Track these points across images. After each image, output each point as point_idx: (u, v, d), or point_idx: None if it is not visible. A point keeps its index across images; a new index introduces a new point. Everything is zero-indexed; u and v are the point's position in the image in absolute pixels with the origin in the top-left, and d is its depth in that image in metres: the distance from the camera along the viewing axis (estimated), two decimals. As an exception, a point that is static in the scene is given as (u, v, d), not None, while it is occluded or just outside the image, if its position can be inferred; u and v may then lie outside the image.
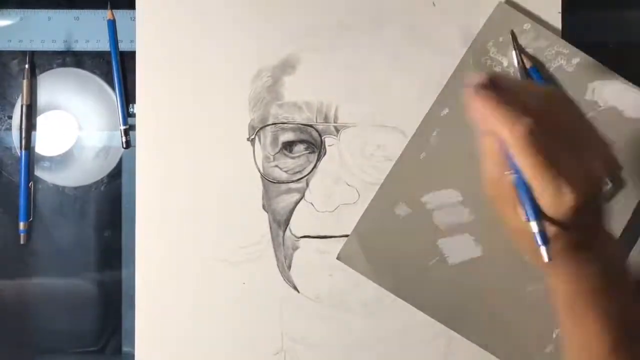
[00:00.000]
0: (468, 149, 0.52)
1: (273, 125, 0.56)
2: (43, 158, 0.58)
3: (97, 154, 0.58)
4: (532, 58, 0.55)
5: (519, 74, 0.55)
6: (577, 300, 0.42)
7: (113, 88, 0.57)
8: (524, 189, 0.38)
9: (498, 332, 0.55)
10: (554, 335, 0.53)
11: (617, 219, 0.55)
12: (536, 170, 0.37)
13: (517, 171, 0.38)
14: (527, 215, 0.38)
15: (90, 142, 0.58)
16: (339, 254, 0.56)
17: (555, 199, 0.37)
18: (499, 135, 0.38)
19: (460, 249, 0.55)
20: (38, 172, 0.57)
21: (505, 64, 0.55)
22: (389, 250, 0.55)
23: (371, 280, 0.55)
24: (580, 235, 0.39)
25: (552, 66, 0.55)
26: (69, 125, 0.58)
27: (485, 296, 0.55)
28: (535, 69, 0.55)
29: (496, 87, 0.39)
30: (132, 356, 0.56)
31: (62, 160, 0.58)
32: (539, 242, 0.38)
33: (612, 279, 0.42)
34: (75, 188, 0.58)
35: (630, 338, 0.42)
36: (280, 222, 0.56)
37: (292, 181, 0.56)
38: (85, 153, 0.58)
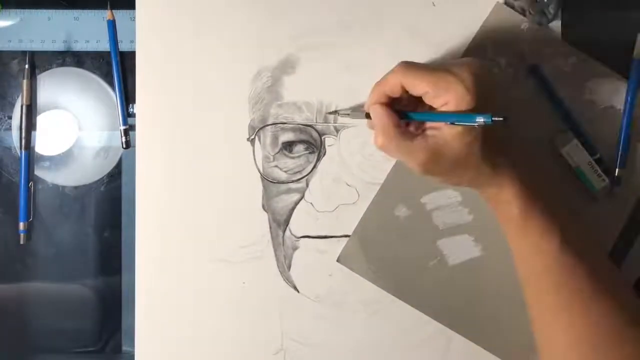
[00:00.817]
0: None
1: (273, 126, 0.56)
2: (43, 158, 0.58)
3: (97, 154, 0.58)
4: (529, 58, 0.55)
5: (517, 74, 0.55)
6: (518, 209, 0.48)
7: (113, 88, 0.57)
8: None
9: (498, 332, 0.55)
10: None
11: (614, 219, 0.56)
12: (431, 76, 0.46)
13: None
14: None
15: (90, 142, 0.58)
16: (339, 257, 0.56)
17: (456, 84, 0.45)
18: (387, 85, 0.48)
19: (460, 249, 0.56)
20: (38, 172, 0.57)
21: (503, 64, 0.56)
22: (389, 251, 0.56)
23: (371, 282, 0.55)
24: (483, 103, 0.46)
25: (549, 66, 0.55)
26: (69, 125, 0.58)
27: (486, 296, 0.55)
28: (533, 69, 0.55)
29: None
30: (132, 356, 0.56)
31: (62, 160, 0.58)
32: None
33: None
34: (75, 188, 0.58)
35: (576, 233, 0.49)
36: (280, 222, 0.56)
37: (292, 181, 0.56)
38: (85, 153, 0.58)
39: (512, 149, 0.49)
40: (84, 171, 0.58)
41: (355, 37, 0.56)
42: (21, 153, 0.57)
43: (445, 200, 0.56)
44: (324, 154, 0.56)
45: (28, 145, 0.57)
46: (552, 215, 0.48)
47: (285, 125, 0.56)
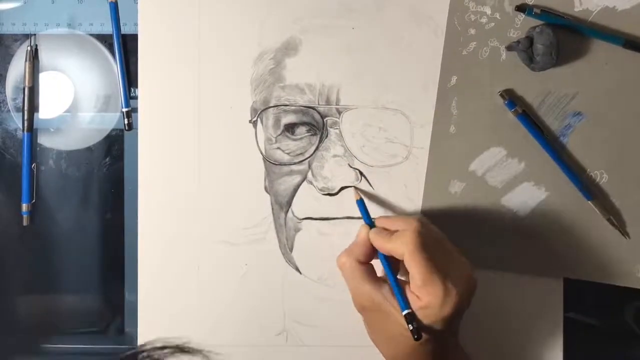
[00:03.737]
0: (488, 105, 0.55)
1: (275, 108, 0.56)
2: (42, 121, 0.58)
3: (92, 118, 0.58)
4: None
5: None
6: None
7: (115, 70, 0.57)
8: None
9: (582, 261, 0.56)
10: None
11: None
12: (427, 274, 0.46)
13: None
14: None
15: (88, 104, 0.58)
16: None
17: (443, 298, 0.45)
18: (394, 251, 0.48)
19: (525, 198, 0.55)
20: (41, 140, 0.58)
21: (488, 12, 0.55)
22: (458, 228, 0.55)
23: None
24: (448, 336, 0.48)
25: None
26: (66, 87, 0.58)
27: (559, 234, 0.56)
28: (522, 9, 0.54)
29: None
30: (135, 337, 0.56)
31: (60, 122, 0.58)
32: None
33: None
34: (78, 169, 0.58)
35: None
36: (282, 204, 0.56)
37: (294, 163, 0.56)
38: (82, 115, 0.58)
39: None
40: (83, 136, 0.58)
41: (357, 19, 0.56)
42: (24, 135, 0.57)
43: (493, 160, 0.55)
44: (327, 136, 0.56)
45: (30, 127, 0.57)
46: None
47: (288, 107, 0.56)
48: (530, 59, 0.54)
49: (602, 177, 0.55)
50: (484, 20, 0.55)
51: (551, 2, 0.55)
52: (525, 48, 0.53)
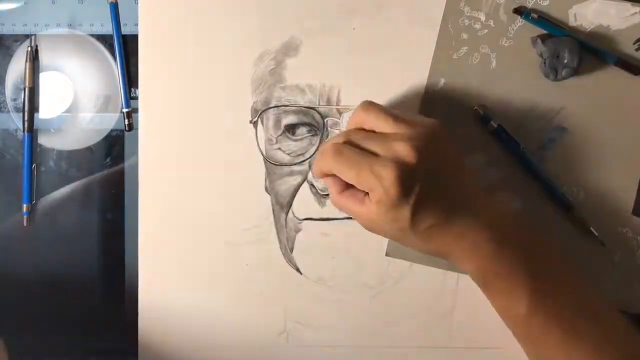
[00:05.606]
0: (473, 111, 0.55)
1: (276, 108, 0.56)
2: (42, 121, 0.58)
3: (92, 119, 0.58)
4: None
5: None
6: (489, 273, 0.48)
7: (116, 71, 0.57)
8: None
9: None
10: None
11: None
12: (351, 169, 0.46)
13: None
14: None
15: (88, 103, 0.58)
16: (387, 251, 0.56)
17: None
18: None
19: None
20: (41, 140, 0.58)
21: (483, 18, 0.55)
22: None
23: (430, 265, 0.56)
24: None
25: (529, 3, 0.55)
26: (66, 87, 0.58)
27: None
28: (519, 12, 0.54)
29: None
30: (136, 337, 0.56)
31: (59, 122, 0.58)
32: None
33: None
34: (78, 170, 0.58)
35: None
36: (283, 205, 0.56)
37: (295, 164, 0.56)
38: (81, 115, 0.58)
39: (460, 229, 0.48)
40: (83, 135, 0.58)
41: (357, 19, 0.56)
42: (24, 135, 0.57)
43: (472, 166, 0.55)
44: (327, 137, 0.56)
45: (31, 128, 0.57)
46: (520, 279, 0.47)
47: (288, 107, 0.56)
48: (554, 68, 0.53)
49: (579, 194, 0.55)
50: (477, 25, 0.55)
51: (547, 17, 0.54)
52: (551, 55, 0.53)
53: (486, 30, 0.55)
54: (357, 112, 0.49)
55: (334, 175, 0.48)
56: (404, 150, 0.45)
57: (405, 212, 0.45)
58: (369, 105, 0.49)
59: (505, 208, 0.53)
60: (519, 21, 0.55)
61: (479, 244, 0.47)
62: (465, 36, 0.55)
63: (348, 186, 0.48)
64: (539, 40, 0.54)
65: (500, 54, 0.55)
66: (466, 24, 0.55)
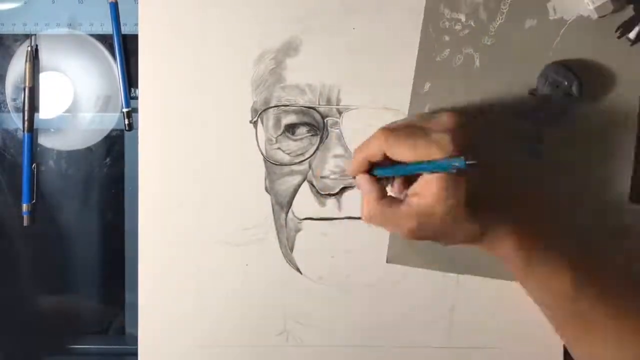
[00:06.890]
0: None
1: (276, 108, 0.56)
2: (42, 121, 0.58)
3: (92, 119, 0.58)
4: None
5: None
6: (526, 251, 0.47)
7: (116, 71, 0.57)
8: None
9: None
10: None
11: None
12: (411, 144, 0.45)
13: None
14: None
15: (88, 103, 0.58)
16: (387, 258, 0.56)
17: (436, 150, 0.44)
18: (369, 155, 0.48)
19: None
20: (41, 140, 0.58)
21: (463, 19, 0.55)
22: None
23: (432, 269, 0.56)
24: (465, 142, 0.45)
25: (507, 2, 0.55)
26: (68, 90, 0.58)
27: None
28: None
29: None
30: (135, 338, 0.56)
31: (59, 122, 0.58)
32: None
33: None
34: (78, 169, 0.58)
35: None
36: (283, 204, 0.56)
37: (295, 163, 0.56)
38: (82, 115, 0.58)
39: (504, 204, 0.48)
40: (83, 134, 0.58)
41: (357, 19, 0.56)
42: (24, 135, 0.57)
43: None
44: (327, 136, 0.56)
45: (31, 128, 0.57)
46: (562, 259, 0.47)
47: (288, 107, 0.56)
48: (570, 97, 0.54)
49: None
50: (458, 27, 0.55)
51: (526, 10, 0.54)
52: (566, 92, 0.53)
53: (467, 31, 0.55)
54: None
55: (371, 180, 0.48)
56: (449, 121, 0.46)
57: (462, 182, 0.45)
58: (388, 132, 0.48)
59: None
60: (500, 18, 0.54)
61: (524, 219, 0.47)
62: (447, 38, 0.55)
63: (385, 194, 0.48)
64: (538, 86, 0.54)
65: (483, 53, 0.55)
66: (447, 26, 0.55)
